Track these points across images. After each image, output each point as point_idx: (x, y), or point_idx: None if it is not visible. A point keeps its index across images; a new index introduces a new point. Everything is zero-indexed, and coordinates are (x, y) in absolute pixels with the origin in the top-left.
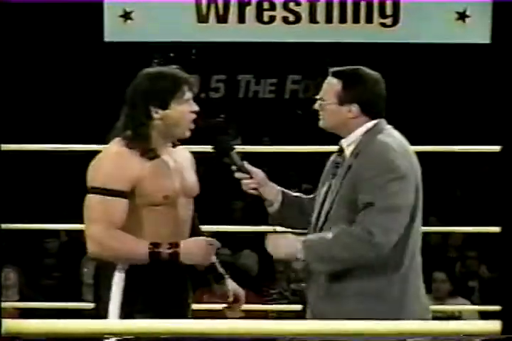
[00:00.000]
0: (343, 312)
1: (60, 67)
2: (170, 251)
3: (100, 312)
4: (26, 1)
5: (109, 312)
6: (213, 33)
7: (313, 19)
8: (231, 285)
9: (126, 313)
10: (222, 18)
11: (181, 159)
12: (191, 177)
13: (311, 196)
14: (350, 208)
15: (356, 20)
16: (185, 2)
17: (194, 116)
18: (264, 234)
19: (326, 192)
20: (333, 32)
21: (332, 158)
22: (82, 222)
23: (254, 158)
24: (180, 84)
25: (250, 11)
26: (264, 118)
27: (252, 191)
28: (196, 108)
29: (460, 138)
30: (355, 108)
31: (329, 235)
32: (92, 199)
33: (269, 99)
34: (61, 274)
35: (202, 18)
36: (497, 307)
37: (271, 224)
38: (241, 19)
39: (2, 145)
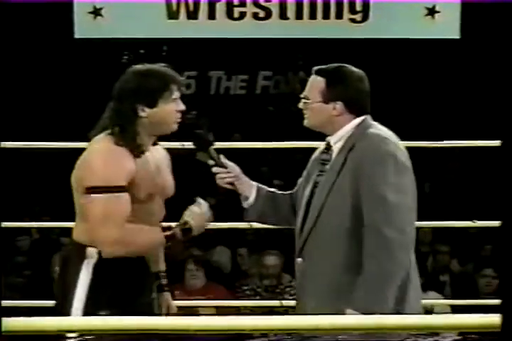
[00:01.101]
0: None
1: (30, 65)
2: (182, 229)
3: (63, 307)
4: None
5: (73, 308)
6: (184, 29)
7: (283, 15)
8: (167, 299)
9: (90, 309)
10: (192, 15)
11: (160, 157)
12: (168, 176)
13: (288, 192)
14: (350, 202)
15: (326, 16)
16: None
17: (179, 115)
18: (237, 230)
19: (312, 190)
20: (303, 28)
21: (315, 155)
22: (52, 220)
23: (226, 154)
24: (169, 83)
25: (220, 7)
26: (236, 114)
27: (227, 185)
28: (183, 107)
29: (432, 134)
30: (339, 105)
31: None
32: (95, 200)
33: (240, 95)
34: (32, 272)
35: (172, 15)
36: (471, 301)
37: (246, 220)
38: (211, 15)
39: (2, 142)
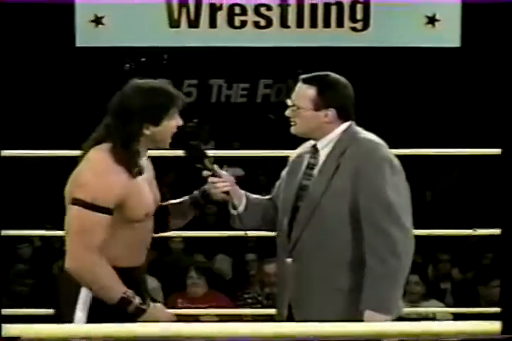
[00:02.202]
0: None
1: (31, 73)
2: (139, 306)
3: (66, 315)
4: (17, 1)
5: (76, 316)
6: (185, 37)
7: (284, 24)
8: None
9: (91, 318)
10: (193, 23)
11: (150, 172)
12: (156, 190)
13: (268, 197)
14: (347, 205)
15: (327, 24)
16: (157, 7)
17: (175, 129)
18: (236, 238)
19: (298, 193)
20: (304, 36)
21: (294, 159)
22: (54, 227)
23: (225, 162)
24: (174, 101)
25: (221, 16)
26: (236, 122)
27: (222, 195)
28: (181, 122)
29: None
30: (331, 112)
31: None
32: (76, 212)
33: (241, 104)
34: (34, 280)
35: (173, 23)
36: (473, 310)
37: (236, 228)
38: (212, 24)
39: (2, 151)
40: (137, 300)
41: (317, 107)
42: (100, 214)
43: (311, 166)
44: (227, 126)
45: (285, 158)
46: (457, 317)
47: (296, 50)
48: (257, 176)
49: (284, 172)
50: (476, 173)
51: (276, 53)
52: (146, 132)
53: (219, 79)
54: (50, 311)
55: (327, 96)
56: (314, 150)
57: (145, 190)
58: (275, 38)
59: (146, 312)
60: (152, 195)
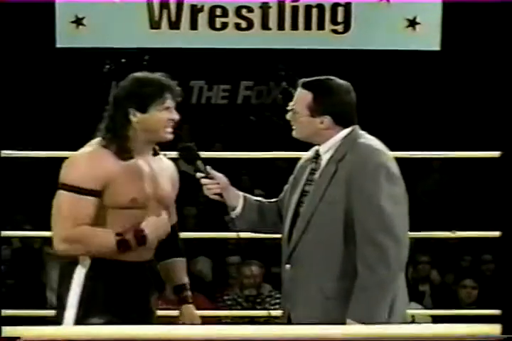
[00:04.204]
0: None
1: (10, 74)
2: (136, 236)
3: (58, 315)
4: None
5: (65, 315)
6: (166, 39)
7: (265, 26)
8: (191, 312)
9: (82, 317)
10: (174, 25)
11: (159, 167)
12: (166, 186)
13: (274, 200)
14: (342, 211)
15: (308, 26)
16: (138, 8)
17: (172, 123)
18: (217, 240)
19: (300, 198)
20: (285, 38)
21: (302, 163)
22: (34, 229)
23: (207, 164)
24: (163, 91)
25: (203, 18)
26: (217, 124)
27: (215, 196)
28: (175, 116)
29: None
30: (327, 119)
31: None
32: (61, 196)
33: (221, 105)
34: (14, 281)
35: (154, 24)
36: (452, 312)
37: (233, 230)
38: (193, 25)
39: (2, 151)
40: (130, 233)
41: (313, 113)
42: (86, 197)
43: (313, 171)
44: (208, 127)
45: (267, 159)
46: (436, 319)
47: (277, 52)
48: (240, 176)
49: (291, 177)
50: (456, 175)
51: (257, 55)
52: (133, 119)
53: (200, 81)
54: (30, 312)
55: (323, 103)
56: (316, 155)
57: (136, 178)
58: (256, 39)
59: (147, 236)
60: (151, 187)
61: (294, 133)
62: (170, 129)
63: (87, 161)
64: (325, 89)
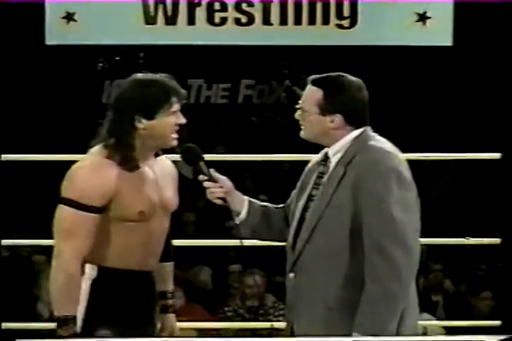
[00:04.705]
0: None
1: None
2: (71, 332)
3: None
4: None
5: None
6: (162, 35)
7: (267, 21)
8: (171, 321)
9: (87, 327)
10: (170, 20)
11: (162, 171)
12: (170, 191)
13: (281, 205)
14: (349, 217)
15: (312, 21)
16: (132, 3)
17: (178, 127)
18: (217, 248)
19: (307, 203)
20: (287, 34)
21: (310, 166)
22: (22, 237)
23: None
24: (170, 95)
25: (200, 12)
26: (217, 125)
27: (218, 201)
28: (183, 120)
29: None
30: (338, 118)
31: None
32: (64, 211)
33: (221, 105)
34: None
35: (149, 20)
36: (466, 323)
37: (237, 237)
38: (191, 21)
39: (2, 155)
40: (74, 328)
41: (323, 112)
42: (87, 213)
43: (320, 175)
44: (207, 128)
45: (271, 163)
46: (450, 331)
47: (279, 49)
48: (243, 180)
49: (299, 182)
50: (469, 178)
51: (259, 52)
52: (139, 125)
53: (198, 79)
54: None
55: (334, 101)
56: (325, 157)
57: (143, 188)
58: (257, 35)
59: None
60: (156, 196)
61: (302, 134)
62: (176, 135)
63: (89, 175)
64: (336, 85)
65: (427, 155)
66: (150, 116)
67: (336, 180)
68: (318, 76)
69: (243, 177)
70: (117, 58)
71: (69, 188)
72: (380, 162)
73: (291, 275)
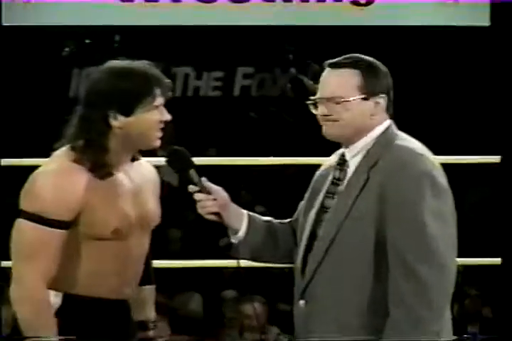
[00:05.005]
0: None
1: None
2: None
3: None
4: None
5: None
6: (141, 15)
7: None
8: None
9: None
10: None
11: (141, 178)
12: (151, 202)
13: (287, 220)
14: (373, 232)
15: None
16: None
17: (162, 126)
18: (209, 270)
19: (319, 215)
20: (292, 13)
21: (321, 172)
22: None
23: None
24: (152, 87)
25: None
26: (208, 122)
27: (211, 216)
28: (168, 117)
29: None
30: (382, 99)
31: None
32: (23, 227)
33: (213, 98)
34: None
35: None
36: None
37: (235, 257)
38: None
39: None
40: None
41: (366, 95)
42: (52, 229)
43: (336, 182)
44: (196, 126)
45: (272, 168)
46: None
47: (283, 30)
48: (239, 191)
49: (308, 190)
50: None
51: (258, 34)
52: (115, 123)
53: (185, 67)
54: None
55: (376, 79)
56: (342, 160)
57: (118, 200)
58: (256, 14)
59: None
60: (133, 208)
61: (333, 129)
62: (159, 134)
63: (54, 183)
64: (368, 63)
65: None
66: (127, 112)
67: (357, 188)
68: (338, 58)
69: (238, 185)
70: (88, 42)
71: (29, 199)
72: (410, 165)
73: (302, 302)
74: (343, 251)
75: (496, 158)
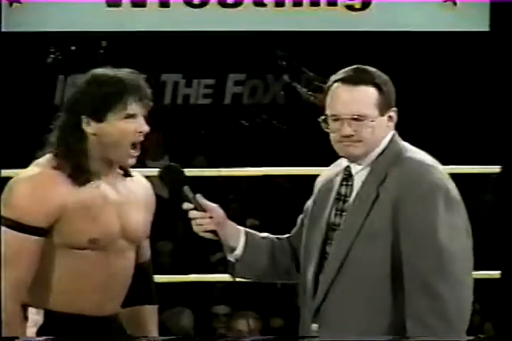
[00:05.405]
0: None
1: None
2: None
3: None
4: None
5: None
6: (128, 20)
7: (259, 2)
8: None
9: None
10: (139, 2)
11: (130, 192)
12: (137, 216)
13: (285, 236)
14: (387, 250)
15: (315, 2)
16: None
17: (140, 138)
18: (200, 284)
19: (327, 233)
20: (284, 17)
21: (324, 184)
22: None
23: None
24: (124, 93)
25: None
26: (198, 130)
27: (207, 234)
28: (144, 128)
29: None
30: (394, 112)
31: None
32: (3, 234)
33: (204, 106)
34: None
35: (112, 2)
36: None
37: (231, 275)
38: (164, 2)
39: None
40: None
41: (382, 111)
42: (29, 236)
43: (343, 197)
44: (186, 135)
45: (264, 178)
46: None
47: (275, 36)
48: (228, 203)
49: (309, 203)
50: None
51: (250, 40)
52: (88, 129)
53: (174, 74)
54: None
55: (387, 94)
56: (347, 175)
57: (99, 210)
58: (247, 19)
59: None
60: (115, 220)
61: (359, 149)
62: (135, 152)
63: (32, 189)
64: (378, 77)
65: None
66: (99, 118)
67: (367, 205)
68: (351, 73)
69: (227, 197)
70: (73, 48)
71: (7, 205)
72: (422, 178)
73: (315, 326)
74: (356, 269)
75: (496, 168)
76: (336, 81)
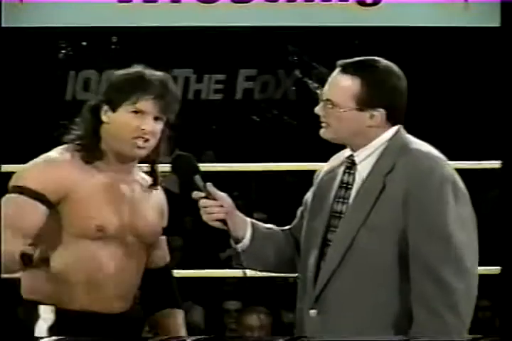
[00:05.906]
0: None
1: None
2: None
3: None
4: None
5: None
6: (139, 15)
7: None
8: None
9: None
10: None
11: (146, 195)
12: (148, 217)
13: (287, 227)
14: (393, 240)
15: None
16: None
17: (145, 135)
18: (210, 280)
19: (329, 222)
20: (296, 13)
21: (325, 175)
22: None
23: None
24: (138, 88)
25: None
26: (209, 125)
27: (217, 223)
28: (147, 126)
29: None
30: (379, 113)
31: None
32: (7, 198)
33: (215, 101)
34: None
35: None
36: None
37: (238, 267)
38: None
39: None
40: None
41: (361, 106)
42: (36, 202)
43: (345, 185)
44: (196, 130)
45: (272, 173)
46: None
47: (286, 31)
48: (232, 199)
49: (308, 195)
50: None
51: (261, 35)
52: (104, 117)
53: (185, 69)
54: None
55: (375, 92)
56: (350, 163)
57: (109, 199)
58: (258, 15)
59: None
60: (125, 213)
61: (325, 133)
62: (140, 142)
63: (45, 163)
64: (376, 73)
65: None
66: (113, 107)
67: (373, 195)
68: (348, 60)
69: (233, 189)
70: (84, 44)
71: (18, 176)
72: (432, 171)
73: (313, 312)
74: (359, 258)
75: (496, 163)
76: (337, 65)
